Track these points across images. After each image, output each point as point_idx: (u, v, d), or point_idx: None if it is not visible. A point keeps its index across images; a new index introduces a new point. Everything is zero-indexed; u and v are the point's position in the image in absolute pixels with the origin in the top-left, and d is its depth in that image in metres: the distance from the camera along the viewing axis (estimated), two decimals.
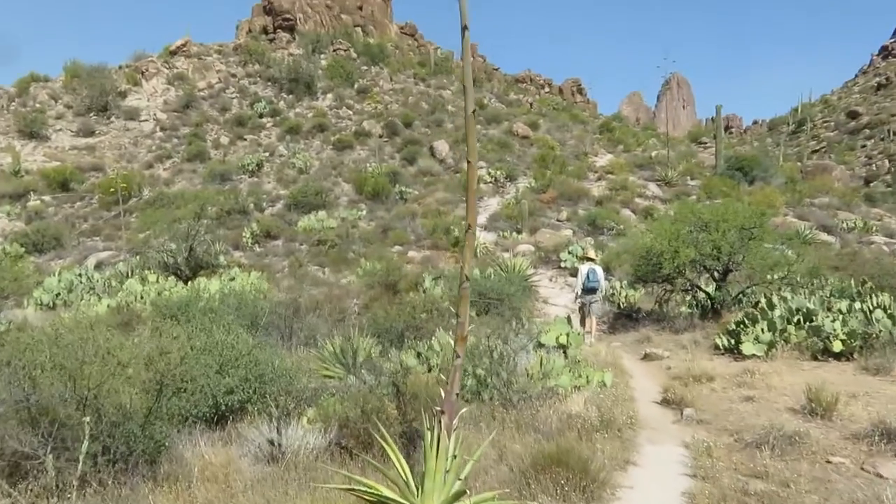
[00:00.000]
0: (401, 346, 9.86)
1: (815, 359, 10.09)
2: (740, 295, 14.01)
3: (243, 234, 27.51)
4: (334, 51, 61.60)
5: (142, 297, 16.14)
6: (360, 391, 6.47)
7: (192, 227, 21.49)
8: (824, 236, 24.97)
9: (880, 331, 9.94)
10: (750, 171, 34.25)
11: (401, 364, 7.65)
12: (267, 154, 41.64)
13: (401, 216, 28.07)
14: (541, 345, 10.52)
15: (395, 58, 67.19)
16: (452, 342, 4.22)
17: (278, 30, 63.73)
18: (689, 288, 14.64)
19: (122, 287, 17.73)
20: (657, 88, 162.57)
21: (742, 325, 11.17)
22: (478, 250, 22.45)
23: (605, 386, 8.74)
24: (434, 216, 27.22)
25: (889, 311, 10.15)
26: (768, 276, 13.49)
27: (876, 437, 6.51)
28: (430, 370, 8.71)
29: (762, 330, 10.68)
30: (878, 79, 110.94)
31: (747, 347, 10.50)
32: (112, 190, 30.55)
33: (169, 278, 18.59)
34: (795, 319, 10.98)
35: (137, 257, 22.58)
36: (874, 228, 27.44)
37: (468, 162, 4.13)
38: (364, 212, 30.79)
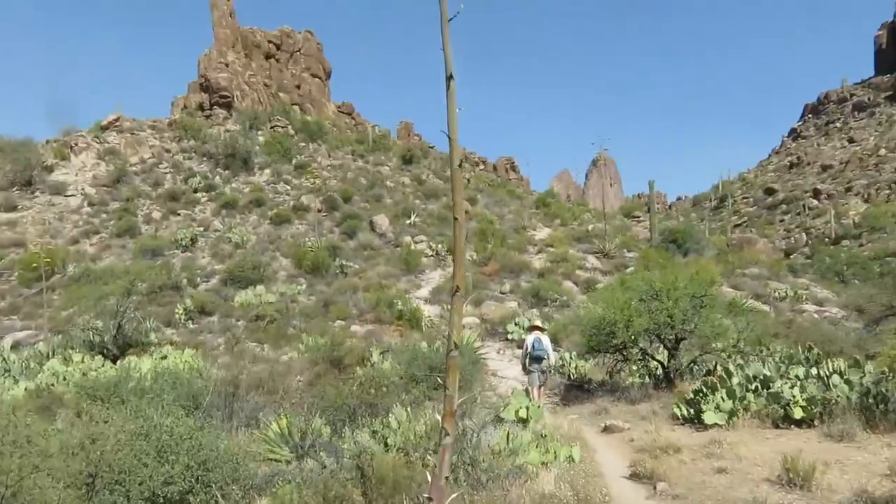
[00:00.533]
0: (354, 424, 9.21)
1: (777, 426, 9.94)
2: (692, 364, 13.95)
3: (176, 310, 26.26)
4: (272, 127, 61.60)
5: (65, 379, 14.93)
6: (321, 476, 5.84)
7: (121, 304, 20.37)
8: (759, 305, 25.56)
9: (838, 396, 9.90)
10: (683, 243, 35.26)
11: (359, 444, 7.04)
12: (202, 229, 40.53)
13: (342, 290, 27.44)
14: (500, 419, 10.08)
15: (333, 135, 67.67)
16: (440, 418, 3.77)
17: (215, 106, 63.43)
18: (642, 357, 14.51)
19: (42, 368, 16.42)
20: (585, 167, 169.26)
21: (701, 394, 10.99)
22: (423, 324, 21.99)
23: (574, 461, 8.31)
24: (376, 290, 26.72)
25: (845, 377, 10.15)
26: (719, 344, 13.49)
27: None
28: (387, 449, 8.11)
29: (722, 398, 10.52)
30: (789, 158, 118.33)
31: (709, 417, 10.30)
32: (34, 266, 28.88)
33: (95, 357, 17.37)
34: (753, 387, 10.89)
35: (60, 336, 21.14)
36: (804, 297, 28.35)
37: (455, 218, 3.80)
38: (304, 286, 30.02)
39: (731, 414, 10.26)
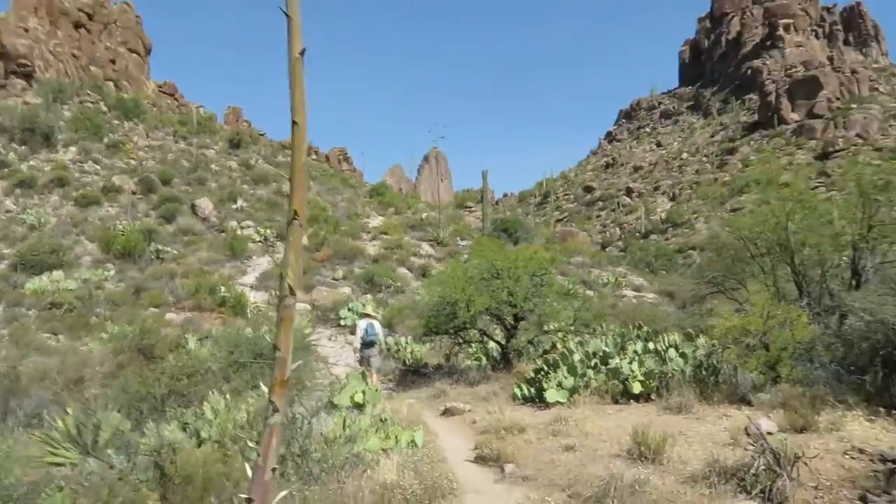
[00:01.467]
0: (161, 416, 7.80)
1: (616, 402, 9.82)
2: (529, 343, 13.75)
3: None
4: (81, 102, 55.44)
5: None
6: (105, 479, 4.55)
7: None
8: (586, 290, 26.50)
9: (674, 370, 9.95)
10: (514, 232, 36.02)
11: (163, 438, 5.75)
12: None
13: (157, 276, 24.82)
14: (334, 406, 9.08)
15: (153, 115, 62.34)
16: (267, 390, 2.75)
17: (11, 75, 55.90)
18: (481, 339, 14.12)
19: None
20: (418, 163, 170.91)
21: (542, 373, 10.69)
22: (248, 310, 20.34)
23: (417, 446, 7.52)
24: (197, 276, 24.46)
25: (680, 350, 10.25)
26: (556, 324, 13.39)
27: (714, 478, 6.03)
28: (200, 443, 6.84)
29: (564, 376, 10.26)
30: (605, 158, 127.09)
31: (551, 395, 9.97)
32: None
33: None
34: (593, 363, 10.75)
35: None
36: (624, 283, 29.91)
37: (294, 122, 2.78)
38: (112, 272, 26.89)
39: (573, 391, 10.01)
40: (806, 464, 5.91)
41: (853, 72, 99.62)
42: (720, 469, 6.09)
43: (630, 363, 10.14)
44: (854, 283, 10.64)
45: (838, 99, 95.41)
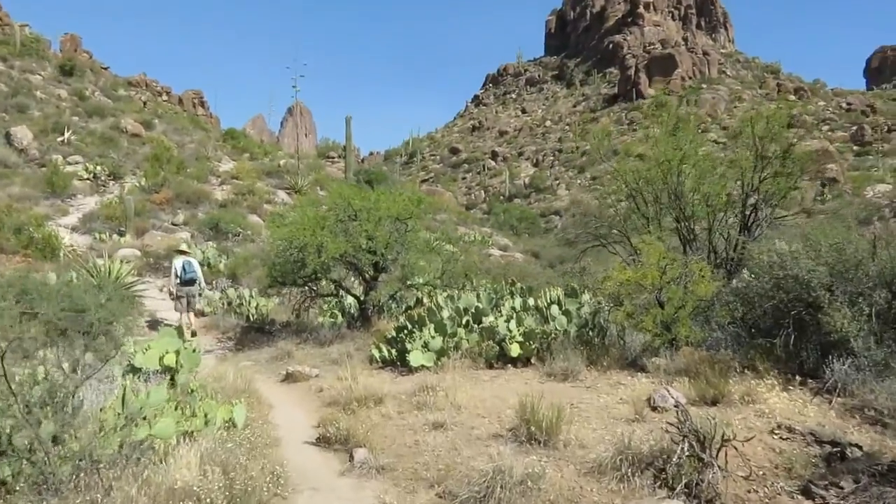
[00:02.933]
0: None
1: (491, 366, 8.36)
2: (391, 299, 12.08)
3: None
4: None
5: None
6: None
7: None
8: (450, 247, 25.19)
9: (557, 329, 8.63)
10: (378, 183, 34.07)
11: None
12: None
13: None
14: (136, 370, 6.95)
15: None
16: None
17: None
18: (336, 292, 12.25)
19: None
20: (281, 115, 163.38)
21: (405, 332, 9.04)
22: (60, 253, 17.16)
23: (236, 427, 5.62)
24: (2, 214, 20.59)
25: (564, 308, 8.94)
26: (421, 279, 11.79)
27: (625, 468, 4.64)
28: None
29: (431, 335, 8.65)
30: (472, 122, 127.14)
31: (415, 357, 8.35)
32: None
33: None
34: (464, 321, 9.24)
35: None
36: (490, 242, 28.96)
37: None
38: None
39: (441, 353, 8.44)
40: (736, 448, 4.65)
41: (705, 53, 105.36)
42: (632, 457, 4.71)
43: (507, 322, 8.70)
44: (743, 237, 9.78)
45: (691, 78, 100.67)
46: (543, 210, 63.03)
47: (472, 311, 9.37)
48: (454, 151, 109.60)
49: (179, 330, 8.30)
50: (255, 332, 12.81)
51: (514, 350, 8.28)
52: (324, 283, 11.73)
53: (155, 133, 41.78)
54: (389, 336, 9.39)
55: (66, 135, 34.39)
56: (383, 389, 7.13)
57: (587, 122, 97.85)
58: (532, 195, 74.29)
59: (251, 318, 13.96)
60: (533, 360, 8.37)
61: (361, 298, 11.64)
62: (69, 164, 30.77)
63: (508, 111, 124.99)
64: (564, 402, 6.22)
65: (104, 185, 28.55)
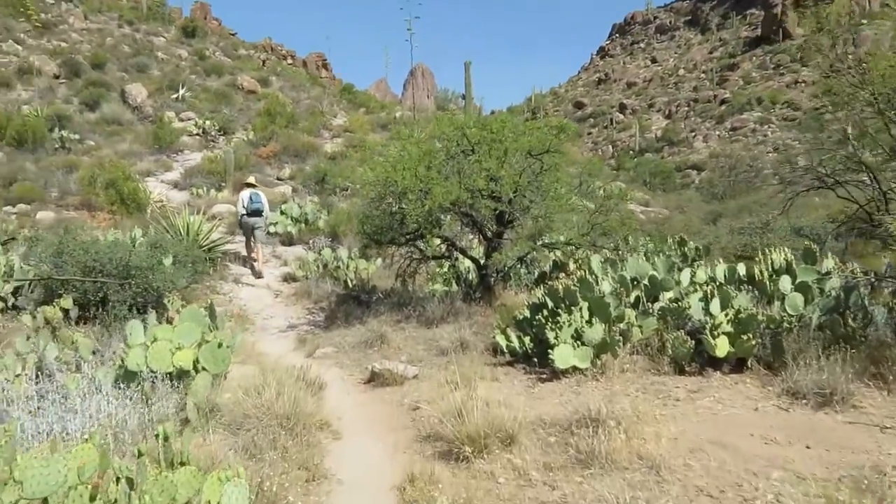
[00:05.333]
0: None
1: (682, 370, 5.32)
2: (520, 262, 9.17)
3: None
4: None
5: None
6: None
7: None
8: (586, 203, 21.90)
9: (788, 314, 5.42)
10: None
11: None
12: None
13: (52, 168, 19.77)
14: (132, 375, 4.50)
15: None
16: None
17: None
18: (448, 254, 9.49)
19: None
20: (403, 78, 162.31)
21: (545, 313, 6.10)
22: (148, 208, 15.49)
23: None
24: (102, 169, 19.35)
25: (798, 281, 5.69)
26: (563, 237, 8.81)
27: None
28: None
29: (585, 320, 5.69)
30: (597, 75, 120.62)
31: (563, 354, 5.43)
32: None
33: None
34: (633, 298, 6.20)
35: None
36: (628, 196, 25.31)
37: None
38: None
39: (602, 348, 5.47)
40: None
41: None
42: None
43: (706, 301, 5.58)
44: None
45: (849, 14, 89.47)
46: (679, 164, 57.62)
47: (646, 283, 6.28)
48: (579, 106, 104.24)
49: (212, 310, 5.81)
50: (351, 303, 10.32)
51: (722, 347, 5.18)
52: (432, 241, 8.93)
53: (271, 90, 40.64)
54: (520, 317, 6.52)
55: (181, 91, 33.62)
56: (516, 415, 4.28)
57: (725, 68, 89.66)
58: (665, 149, 68.58)
59: (349, 285, 11.52)
60: (750, 363, 5.26)
61: (481, 262, 8.78)
62: (181, 120, 29.84)
63: (637, 62, 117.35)
64: (863, 461, 3.14)
65: (213, 141, 27.28)
